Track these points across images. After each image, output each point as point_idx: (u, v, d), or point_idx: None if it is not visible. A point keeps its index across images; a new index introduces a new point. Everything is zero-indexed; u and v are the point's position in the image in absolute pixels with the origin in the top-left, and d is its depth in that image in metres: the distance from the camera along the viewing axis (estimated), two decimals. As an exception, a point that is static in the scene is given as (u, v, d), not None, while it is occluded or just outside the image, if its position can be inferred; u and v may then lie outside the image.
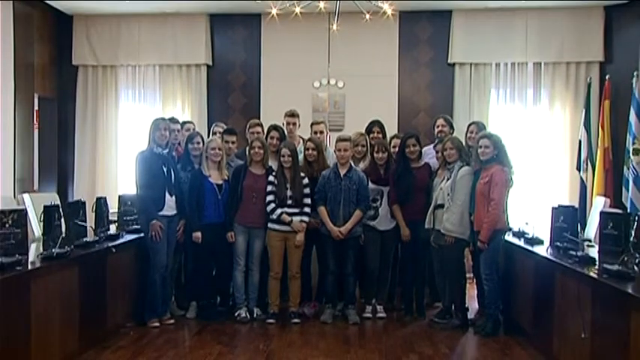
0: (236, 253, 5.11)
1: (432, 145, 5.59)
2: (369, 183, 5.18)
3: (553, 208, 4.68)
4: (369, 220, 5.21)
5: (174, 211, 4.97)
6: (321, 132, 5.60)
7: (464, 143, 5.18)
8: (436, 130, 5.63)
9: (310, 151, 5.28)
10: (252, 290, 5.17)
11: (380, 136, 5.61)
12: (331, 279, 5.19)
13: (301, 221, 5.08)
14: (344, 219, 5.06)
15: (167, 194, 4.89)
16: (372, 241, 5.24)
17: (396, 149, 5.32)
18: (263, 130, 5.56)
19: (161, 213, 4.85)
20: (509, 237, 4.98)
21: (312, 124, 5.70)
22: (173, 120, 5.47)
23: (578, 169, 6.89)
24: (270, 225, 5.10)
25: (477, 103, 7.17)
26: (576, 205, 5.46)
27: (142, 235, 4.93)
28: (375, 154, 5.23)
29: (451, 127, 5.64)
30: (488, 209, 4.65)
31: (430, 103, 7.33)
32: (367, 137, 5.54)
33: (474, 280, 5.34)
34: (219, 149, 5.12)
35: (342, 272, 5.17)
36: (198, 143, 5.22)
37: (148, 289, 4.89)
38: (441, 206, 4.91)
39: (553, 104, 7.18)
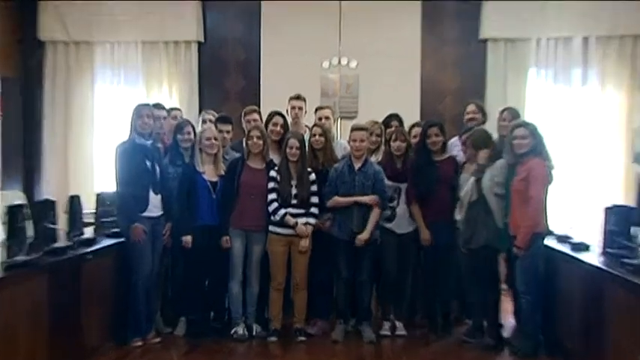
0: (232, 261, 5.12)
1: (457, 137, 5.58)
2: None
3: (605, 209, 4.65)
4: (386, 222, 5.23)
5: (160, 212, 4.98)
6: (327, 118, 5.61)
7: (496, 132, 5.18)
8: (466, 117, 5.66)
9: (317, 137, 5.27)
10: (250, 304, 5.18)
11: None
12: (343, 288, 5.19)
13: (306, 224, 5.08)
14: (357, 220, 5.06)
15: (151, 192, 4.90)
16: (389, 246, 5.24)
17: (417, 140, 5.35)
18: (261, 118, 5.60)
19: (144, 214, 4.86)
20: (551, 242, 4.97)
21: (316, 110, 5.71)
22: (158, 106, 5.46)
23: (636, 161, 6.82)
24: (271, 228, 5.11)
25: (513, 86, 7.12)
26: (633, 205, 5.40)
27: (123, 239, 4.93)
28: (392, 143, 5.23)
29: (484, 114, 5.65)
30: (526, 209, 4.64)
31: (458, 85, 7.28)
32: (382, 126, 5.56)
33: (510, 293, 5.33)
34: (216, 139, 5.12)
35: (355, 280, 5.17)
36: (189, 133, 5.23)
37: (130, 304, 4.88)
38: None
39: (605, 85, 7.13)
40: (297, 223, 5.03)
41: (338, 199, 5.07)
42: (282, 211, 5.03)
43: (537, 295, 4.76)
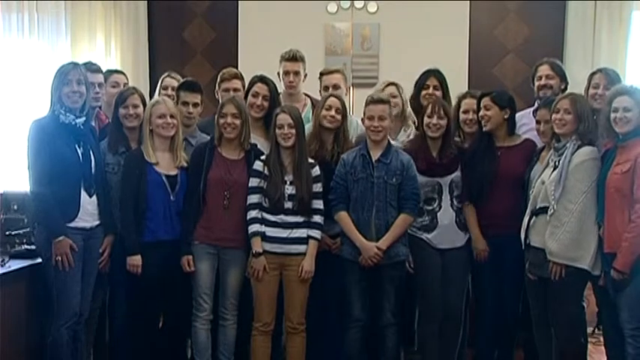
0: (197, 291, 5.12)
1: (528, 110, 5.60)
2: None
3: None
4: (423, 232, 5.26)
5: (96, 221, 4.98)
6: (336, 87, 5.67)
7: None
8: (537, 83, 5.69)
9: (333, 112, 5.25)
10: (224, 352, 5.19)
11: (438, 93, 5.71)
12: (357, 335, 5.17)
13: (310, 237, 5.05)
14: (378, 234, 5.04)
15: (83, 192, 4.87)
16: (427, 267, 5.24)
17: (469, 116, 5.44)
18: (244, 86, 5.65)
19: (72, 224, 4.82)
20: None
21: (321, 75, 5.80)
22: (93, 67, 5.48)
23: None
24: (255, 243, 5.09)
25: (606, 38, 7.14)
26: None
27: (40, 261, 4.90)
28: (426, 119, 5.23)
29: (563, 78, 5.67)
30: (631, 217, 4.57)
31: (524, 38, 7.46)
32: (400, 87, 5.68)
33: (603, 338, 5.25)
34: (172, 117, 5.12)
35: (375, 324, 5.15)
36: (136, 107, 5.23)
37: (50, 353, 4.82)
38: (544, 211, 4.88)
39: None
40: (261, 252, 4.99)
41: (345, 222, 5.06)
42: (255, 227, 5.01)
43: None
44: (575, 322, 4.95)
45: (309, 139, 5.21)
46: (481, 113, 5.25)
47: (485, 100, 5.23)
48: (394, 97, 5.50)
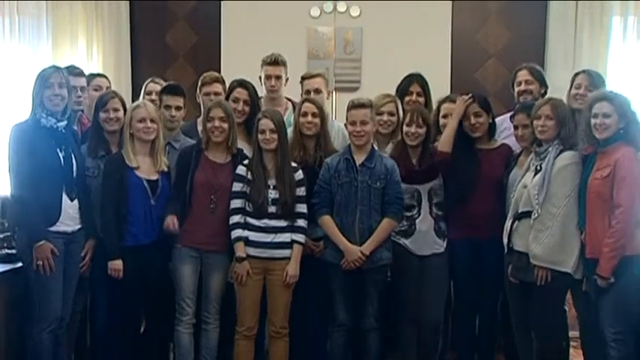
0: (180, 295, 5.10)
1: (507, 115, 5.60)
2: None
3: None
4: (401, 237, 5.26)
5: (77, 226, 4.96)
6: (318, 91, 5.66)
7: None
8: (517, 88, 5.69)
9: (310, 118, 5.24)
10: (207, 356, 5.18)
11: (422, 100, 5.69)
12: (340, 339, 5.17)
13: (294, 242, 5.03)
14: (361, 238, 5.04)
15: (65, 196, 4.86)
16: (403, 270, 5.25)
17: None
18: (225, 90, 5.65)
19: (54, 228, 4.80)
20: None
21: (302, 79, 5.77)
22: (75, 71, 5.44)
23: None
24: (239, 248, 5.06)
25: (587, 43, 7.15)
26: None
27: (21, 265, 4.88)
28: (405, 128, 5.25)
29: (542, 83, 5.67)
30: (611, 222, 4.58)
31: (506, 42, 7.46)
32: (399, 102, 5.59)
33: (581, 342, 5.22)
34: (153, 121, 5.09)
35: (358, 327, 5.16)
36: (116, 111, 5.21)
37: (31, 357, 4.81)
38: (526, 215, 4.88)
39: None
40: (244, 257, 4.98)
41: (329, 226, 5.06)
42: (238, 232, 5.00)
43: (636, 346, 4.68)
44: (557, 325, 4.96)
45: (291, 146, 5.20)
46: (473, 121, 5.24)
47: (475, 108, 5.24)
48: (392, 115, 5.49)
